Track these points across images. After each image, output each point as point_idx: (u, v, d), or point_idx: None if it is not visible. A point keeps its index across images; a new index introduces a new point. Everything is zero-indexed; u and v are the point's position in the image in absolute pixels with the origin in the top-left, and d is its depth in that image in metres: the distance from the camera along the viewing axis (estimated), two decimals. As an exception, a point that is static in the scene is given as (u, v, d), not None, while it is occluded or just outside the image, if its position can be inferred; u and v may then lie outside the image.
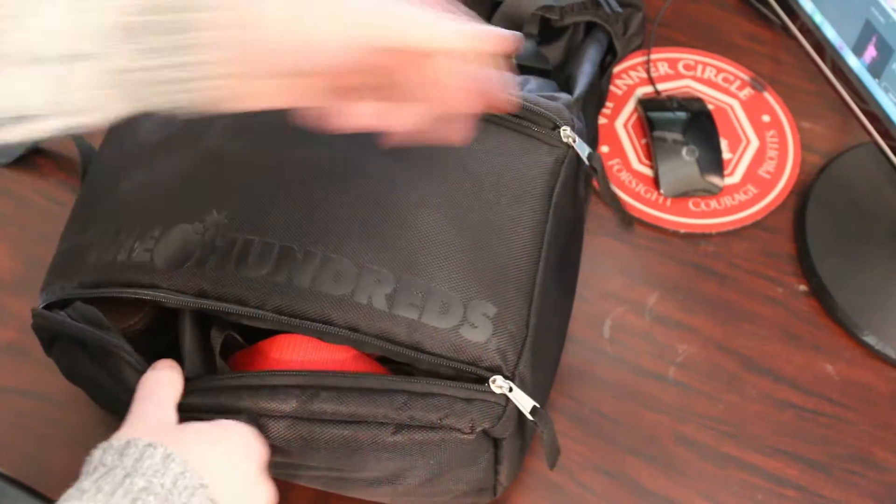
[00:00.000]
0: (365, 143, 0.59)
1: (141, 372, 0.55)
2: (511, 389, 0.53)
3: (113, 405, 0.62)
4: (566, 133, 0.60)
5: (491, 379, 0.52)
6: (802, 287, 0.73)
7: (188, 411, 0.53)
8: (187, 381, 0.55)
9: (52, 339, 0.59)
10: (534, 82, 0.64)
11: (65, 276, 0.58)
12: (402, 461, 0.54)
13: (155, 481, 0.44)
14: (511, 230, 0.57)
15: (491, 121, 0.60)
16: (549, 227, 0.58)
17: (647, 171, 0.79)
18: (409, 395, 0.52)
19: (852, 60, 0.69)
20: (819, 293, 0.72)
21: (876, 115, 0.68)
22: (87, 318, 0.56)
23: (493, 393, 0.52)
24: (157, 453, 0.46)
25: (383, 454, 0.54)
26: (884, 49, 0.65)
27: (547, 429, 0.54)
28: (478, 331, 0.53)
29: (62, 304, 0.58)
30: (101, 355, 0.56)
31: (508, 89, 0.51)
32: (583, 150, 0.61)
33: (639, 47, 0.75)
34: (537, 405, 0.53)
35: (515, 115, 0.60)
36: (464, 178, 0.58)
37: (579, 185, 0.63)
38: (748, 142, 0.81)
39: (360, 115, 0.48)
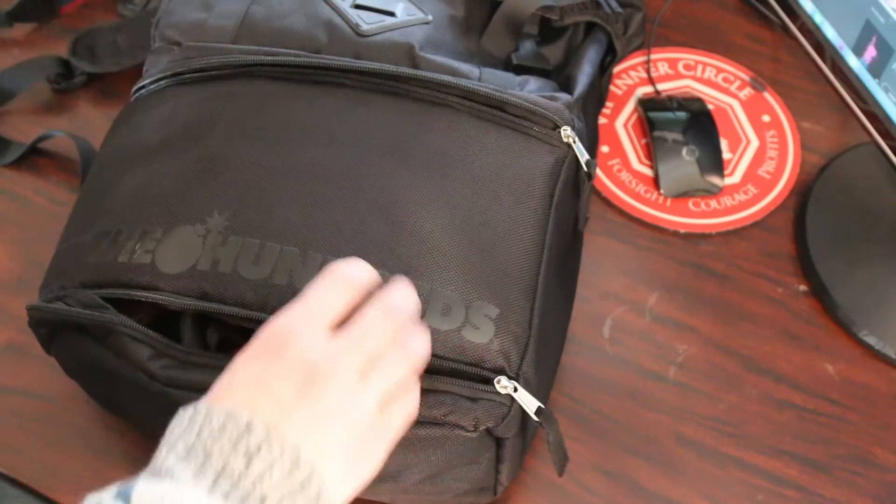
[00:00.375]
0: (366, 145, 0.59)
1: (145, 343, 0.55)
2: (516, 389, 0.53)
3: (114, 400, 0.62)
4: (566, 133, 0.60)
5: (496, 379, 0.53)
6: (802, 287, 0.73)
7: (178, 387, 0.53)
8: (181, 351, 0.55)
9: (51, 333, 0.59)
10: (534, 82, 0.64)
11: (64, 277, 0.58)
12: (403, 457, 0.54)
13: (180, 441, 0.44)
14: (512, 231, 0.57)
15: (491, 121, 0.60)
16: (550, 228, 0.58)
17: (647, 171, 0.79)
18: None
19: (852, 60, 0.69)
20: (819, 293, 0.72)
21: (876, 115, 0.68)
22: (83, 304, 0.56)
23: (498, 393, 0.53)
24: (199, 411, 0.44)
25: None
26: (884, 49, 0.65)
27: (553, 430, 0.54)
28: (480, 332, 0.53)
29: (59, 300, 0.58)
30: (102, 336, 0.56)
31: None
32: (581, 153, 0.61)
33: (639, 47, 0.75)
34: (542, 406, 0.53)
35: (516, 115, 0.60)
36: (465, 179, 0.58)
37: (580, 185, 0.63)
38: (748, 142, 0.81)
39: None
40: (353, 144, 0.59)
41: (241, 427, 0.43)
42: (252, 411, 0.44)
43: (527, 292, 0.56)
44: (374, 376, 0.47)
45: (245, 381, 0.45)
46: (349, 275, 0.49)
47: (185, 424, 0.44)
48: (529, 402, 0.53)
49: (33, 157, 0.79)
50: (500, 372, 0.53)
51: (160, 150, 0.61)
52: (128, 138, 0.63)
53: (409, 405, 0.49)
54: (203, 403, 0.44)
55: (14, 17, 0.86)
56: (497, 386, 0.53)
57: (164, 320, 0.57)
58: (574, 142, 0.60)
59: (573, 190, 0.62)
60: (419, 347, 0.49)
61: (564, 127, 0.60)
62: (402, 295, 0.49)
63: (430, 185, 0.57)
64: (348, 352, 0.47)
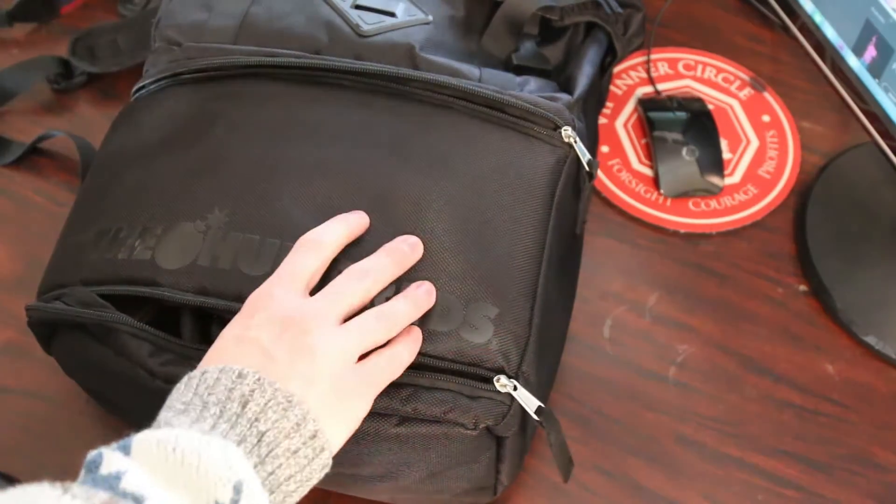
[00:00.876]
0: (367, 144, 0.59)
1: (145, 339, 0.55)
2: (515, 388, 0.53)
3: (114, 400, 0.62)
4: (567, 133, 0.60)
5: (495, 378, 0.53)
6: (802, 287, 0.73)
7: (175, 383, 0.51)
8: (181, 345, 0.55)
9: (50, 333, 0.59)
10: (534, 83, 0.64)
11: (64, 275, 0.58)
12: (403, 455, 0.54)
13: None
14: (513, 230, 0.57)
15: (492, 121, 0.60)
16: (551, 227, 0.58)
17: (647, 171, 0.79)
18: (414, 388, 0.52)
19: (852, 60, 0.69)
20: (819, 293, 0.72)
21: (876, 115, 0.68)
22: (82, 302, 0.56)
23: (498, 392, 0.53)
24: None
25: (385, 446, 0.54)
26: (884, 49, 0.65)
27: (554, 430, 0.54)
28: (478, 332, 0.53)
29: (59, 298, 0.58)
30: (102, 334, 0.56)
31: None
32: (583, 153, 0.61)
33: (639, 47, 0.75)
34: (542, 405, 0.53)
35: (516, 116, 0.60)
36: (466, 179, 0.58)
37: (580, 186, 0.63)
38: (748, 142, 0.81)
39: None
40: (354, 144, 0.59)
41: (234, 377, 0.46)
42: (240, 362, 0.47)
43: (527, 292, 0.56)
44: (352, 327, 0.50)
45: (230, 340, 0.49)
46: (316, 238, 0.53)
47: (181, 389, 0.47)
48: (529, 402, 0.53)
49: (33, 157, 0.79)
50: (500, 371, 0.53)
51: (160, 150, 0.61)
52: (128, 138, 0.63)
53: (393, 361, 0.51)
54: (198, 369, 0.47)
55: (14, 17, 0.86)
56: (497, 385, 0.53)
57: (164, 319, 0.57)
58: (575, 142, 0.60)
59: (574, 190, 0.62)
60: (397, 310, 0.52)
61: (565, 127, 0.60)
62: (374, 262, 0.53)
63: (431, 185, 0.57)
64: (322, 305, 0.50)
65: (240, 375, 0.46)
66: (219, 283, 0.55)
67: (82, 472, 0.42)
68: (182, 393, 0.46)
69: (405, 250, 0.54)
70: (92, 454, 0.43)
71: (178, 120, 0.62)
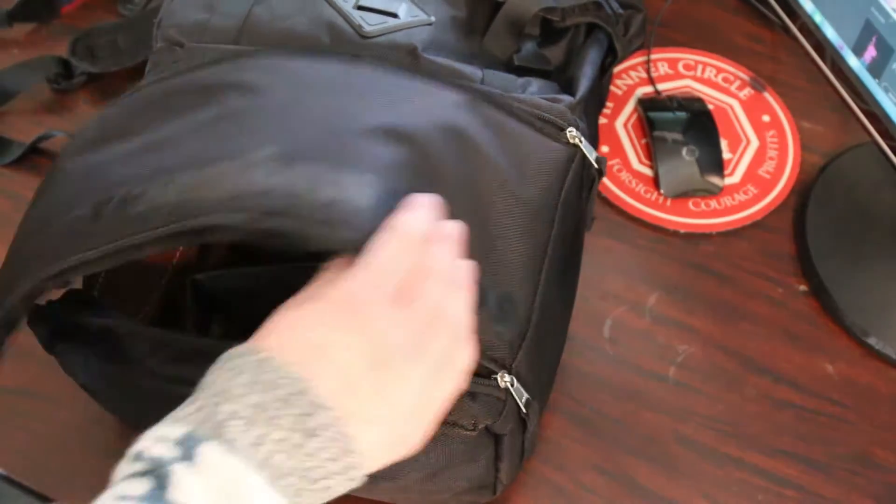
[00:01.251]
0: (394, 105, 0.58)
1: (141, 337, 0.54)
2: (512, 384, 0.53)
3: (115, 401, 0.62)
4: (572, 134, 0.60)
5: (499, 374, 0.53)
6: (802, 287, 0.73)
7: (179, 383, 0.47)
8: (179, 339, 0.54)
9: (50, 334, 0.59)
10: (536, 84, 0.64)
11: (61, 257, 0.52)
12: None
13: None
14: (519, 225, 0.57)
15: (510, 113, 0.60)
16: (556, 225, 0.58)
17: (647, 171, 0.79)
18: None
19: (852, 60, 0.69)
20: (819, 293, 0.72)
21: (876, 115, 0.68)
22: (77, 303, 0.56)
23: (498, 388, 0.53)
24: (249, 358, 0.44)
25: None
26: (884, 49, 0.65)
27: (533, 423, 0.55)
28: (481, 321, 0.53)
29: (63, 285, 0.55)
30: (101, 334, 0.56)
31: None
32: (590, 151, 0.61)
33: (639, 48, 0.75)
34: (530, 398, 0.54)
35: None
36: (481, 171, 0.57)
37: (584, 184, 0.63)
38: (748, 142, 0.81)
39: None
40: (379, 101, 0.56)
41: (307, 405, 0.43)
42: (319, 385, 0.43)
43: (529, 288, 0.56)
44: (428, 358, 0.46)
45: (312, 343, 0.45)
46: (413, 232, 0.47)
47: (250, 374, 0.43)
48: (522, 397, 0.53)
49: (33, 157, 0.79)
50: (497, 362, 0.53)
51: (164, 115, 0.55)
52: (110, 127, 0.58)
53: (450, 380, 0.48)
54: (270, 360, 0.44)
55: (14, 17, 0.86)
56: (500, 381, 0.53)
57: (171, 314, 0.57)
58: (581, 141, 0.60)
59: (578, 189, 0.62)
60: (459, 312, 0.48)
61: (570, 129, 0.60)
62: (449, 258, 0.49)
63: (446, 173, 0.57)
64: (410, 327, 0.46)
65: (316, 406, 0.43)
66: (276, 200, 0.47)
67: (144, 476, 0.40)
68: (251, 386, 0.43)
69: None
70: (151, 455, 0.40)
71: (180, 95, 0.57)
